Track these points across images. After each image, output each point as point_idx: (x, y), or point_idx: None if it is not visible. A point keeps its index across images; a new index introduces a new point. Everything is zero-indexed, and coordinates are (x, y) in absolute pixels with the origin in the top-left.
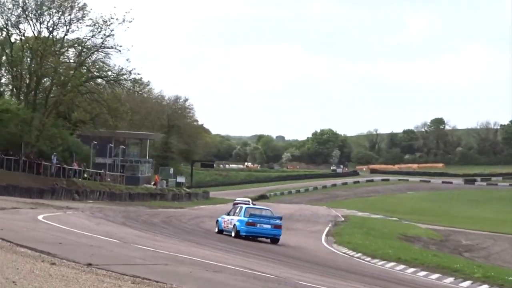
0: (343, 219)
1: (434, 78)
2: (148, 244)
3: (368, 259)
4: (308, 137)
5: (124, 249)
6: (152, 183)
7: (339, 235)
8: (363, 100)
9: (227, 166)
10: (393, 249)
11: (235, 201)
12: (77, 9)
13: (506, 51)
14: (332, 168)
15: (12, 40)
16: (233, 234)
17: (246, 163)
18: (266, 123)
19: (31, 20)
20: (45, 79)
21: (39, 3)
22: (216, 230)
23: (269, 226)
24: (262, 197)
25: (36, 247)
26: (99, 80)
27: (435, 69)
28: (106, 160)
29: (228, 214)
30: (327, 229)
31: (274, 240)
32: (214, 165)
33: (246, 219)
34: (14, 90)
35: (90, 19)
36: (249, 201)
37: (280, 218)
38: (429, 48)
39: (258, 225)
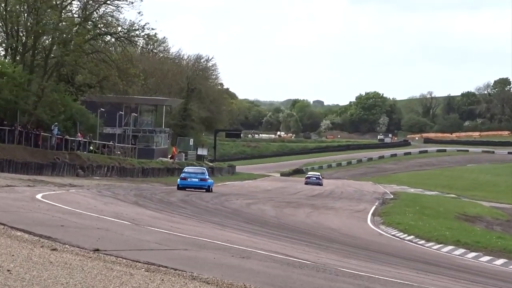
0: (392, 196)
1: (501, 31)
2: (164, 226)
3: (422, 242)
4: (351, 102)
5: (136, 232)
6: (169, 156)
7: (387, 215)
8: (416, 58)
9: (256, 136)
10: (451, 230)
11: (307, 175)
12: None
13: None
14: (379, 137)
15: None
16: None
17: (278, 133)
18: (302, 86)
19: None
20: (44, 37)
21: None
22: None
23: (197, 180)
24: (297, 172)
25: (34, 230)
26: (107, 38)
27: (503, 19)
28: (115, 130)
29: None
30: (373, 208)
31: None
32: (241, 135)
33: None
34: (9, 50)
35: None
36: (319, 175)
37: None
38: None
39: (188, 179)
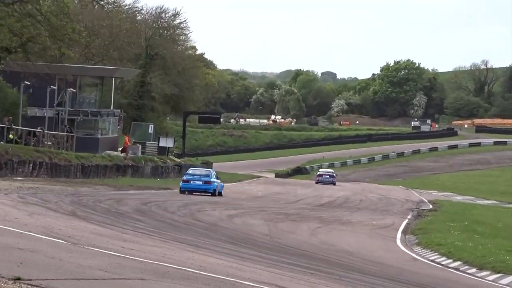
0: (430, 206)
1: None
2: (113, 246)
3: (472, 270)
4: (374, 75)
5: (74, 254)
6: (120, 148)
7: (424, 233)
8: (462, 14)
9: (242, 121)
10: None
11: (318, 173)
12: None
13: None
14: (413, 124)
15: None
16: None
17: (272, 117)
18: (306, 52)
19: None
20: None
21: None
22: None
23: (200, 182)
24: (298, 172)
25: None
26: None
27: None
28: (44, 111)
29: None
30: (404, 222)
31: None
32: (221, 119)
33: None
34: None
35: None
36: (333, 173)
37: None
38: None
39: (191, 182)
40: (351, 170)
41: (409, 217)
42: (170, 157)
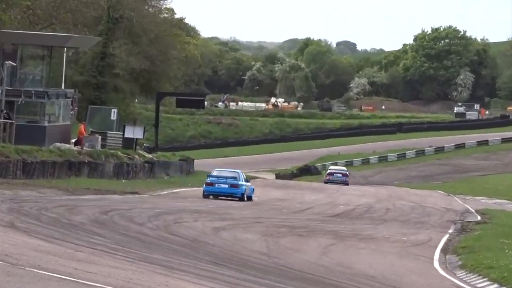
0: (479, 217)
1: None
2: (63, 268)
3: None
4: (406, 46)
5: (13, 278)
6: (73, 140)
7: (470, 252)
8: None
9: (233, 105)
10: None
11: (328, 171)
12: None
13: None
14: (456, 109)
15: None
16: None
17: (273, 100)
18: (316, 17)
19: None
20: None
21: None
22: None
23: (226, 186)
24: (305, 172)
25: None
26: None
27: None
28: None
29: None
30: (444, 238)
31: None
32: (206, 103)
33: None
34: None
35: None
36: (345, 171)
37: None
38: None
39: (216, 185)
40: (375, 169)
41: (450, 231)
42: (139, 151)
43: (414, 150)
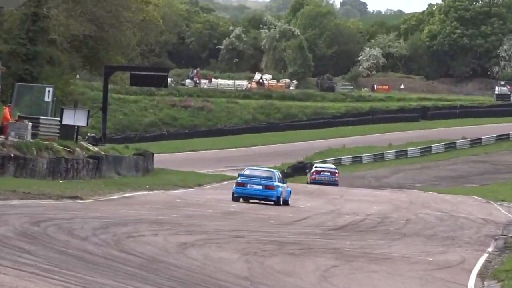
0: None
1: None
2: None
3: None
4: (431, 7)
5: None
6: None
7: None
8: None
9: (205, 83)
10: None
11: (314, 168)
12: None
13: None
14: (497, 90)
15: None
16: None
17: (258, 76)
18: None
19: None
20: None
21: None
22: None
23: (260, 187)
24: (299, 170)
25: None
26: None
27: None
28: None
29: None
30: (482, 259)
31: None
32: (170, 80)
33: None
34: None
35: None
36: (334, 168)
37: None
38: None
39: (248, 186)
40: (392, 168)
41: (489, 249)
42: (82, 143)
43: (442, 143)
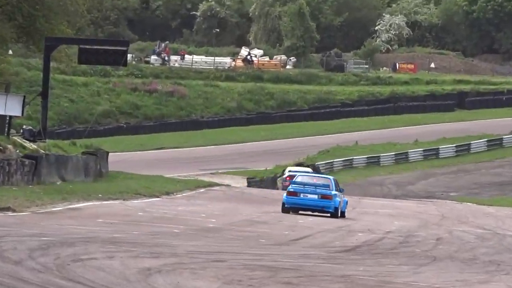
0: None
1: None
2: None
3: None
4: None
5: None
6: None
7: None
8: None
9: (175, 60)
10: None
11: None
12: None
13: None
14: None
15: None
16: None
17: (244, 52)
18: None
19: None
20: None
21: None
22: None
23: (315, 196)
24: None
25: None
26: None
27: None
28: None
29: None
30: None
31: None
32: (131, 56)
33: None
34: None
35: None
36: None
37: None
38: None
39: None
40: (419, 172)
41: None
42: (15, 138)
43: (484, 140)
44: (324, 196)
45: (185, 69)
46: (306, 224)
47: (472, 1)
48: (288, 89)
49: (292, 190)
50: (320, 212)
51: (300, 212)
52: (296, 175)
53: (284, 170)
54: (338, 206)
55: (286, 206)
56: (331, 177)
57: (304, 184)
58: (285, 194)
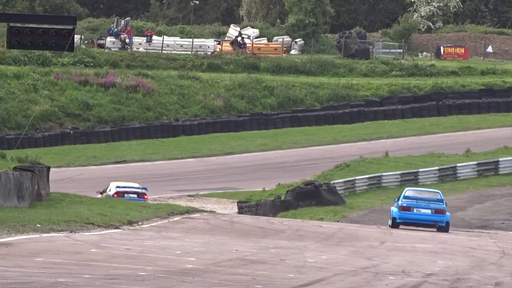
0: None
1: None
2: None
3: None
4: None
5: None
6: None
7: None
8: None
9: (141, 43)
10: None
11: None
12: None
13: None
14: None
15: None
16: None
17: (235, 32)
18: None
19: None
20: None
21: None
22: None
23: (429, 211)
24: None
25: None
26: None
27: None
28: None
29: None
30: None
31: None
32: (79, 38)
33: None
34: None
35: None
36: (141, 189)
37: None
38: None
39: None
40: (471, 194)
41: None
42: None
43: None
44: (437, 211)
45: (153, 56)
46: (318, 264)
47: None
48: (293, 82)
49: (405, 205)
50: (431, 227)
51: (401, 226)
52: (122, 188)
53: (114, 187)
54: (449, 220)
55: (397, 221)
56: (439, 191)
57: (417, 199)
58: (395, 209)
